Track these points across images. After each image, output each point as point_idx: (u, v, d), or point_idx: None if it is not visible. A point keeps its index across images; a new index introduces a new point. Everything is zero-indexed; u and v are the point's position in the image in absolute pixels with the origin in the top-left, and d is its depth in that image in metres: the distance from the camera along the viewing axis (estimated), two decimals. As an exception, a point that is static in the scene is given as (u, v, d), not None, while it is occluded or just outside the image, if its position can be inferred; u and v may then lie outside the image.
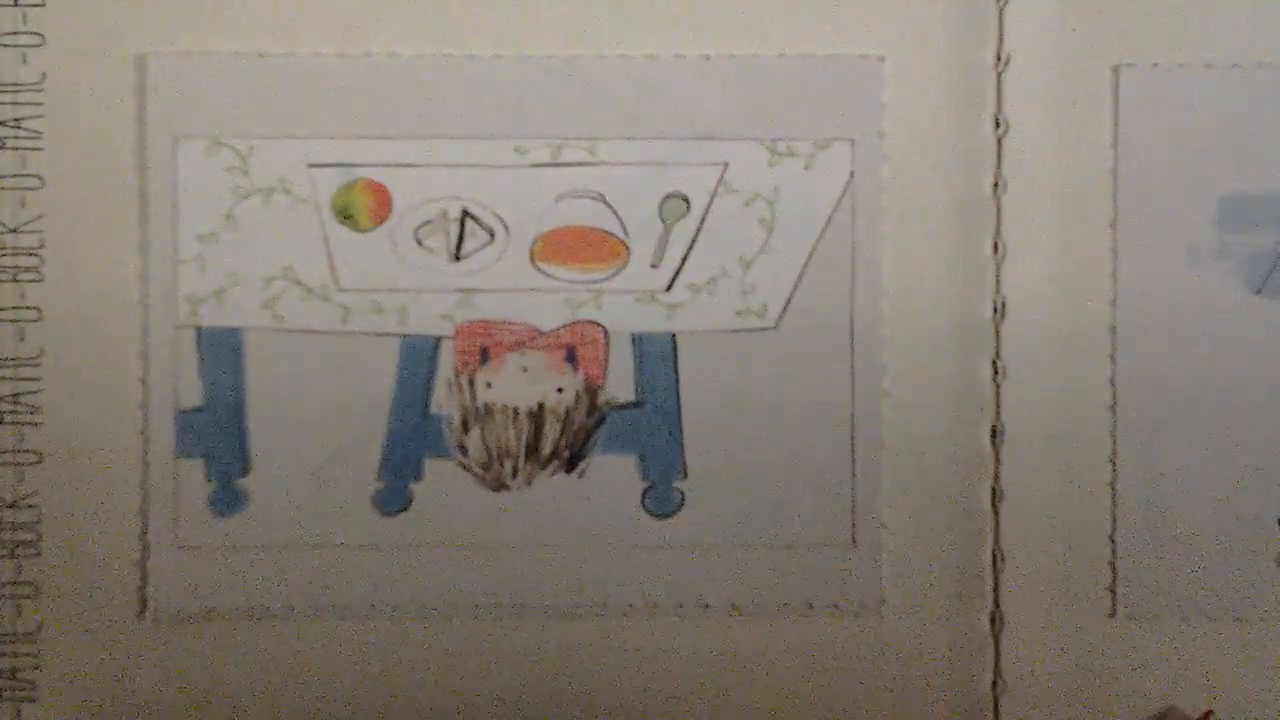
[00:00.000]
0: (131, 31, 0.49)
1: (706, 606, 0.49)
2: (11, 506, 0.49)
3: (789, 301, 0.49)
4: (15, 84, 0.49)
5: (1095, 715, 0.49)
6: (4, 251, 0.49)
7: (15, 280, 0.49)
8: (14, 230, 0.49)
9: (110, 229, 0.49)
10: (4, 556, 0.48)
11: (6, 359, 0.49)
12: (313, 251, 0.49)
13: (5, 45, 0.49)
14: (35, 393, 0.49)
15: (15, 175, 0.49)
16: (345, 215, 0.49)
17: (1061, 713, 0.49)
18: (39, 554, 0.49)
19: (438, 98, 0.49)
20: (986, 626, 0.50)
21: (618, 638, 0.49)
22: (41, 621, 0.49)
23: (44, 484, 0.49)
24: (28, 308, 0.49)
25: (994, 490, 0.49)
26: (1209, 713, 0.49)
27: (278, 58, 0.49)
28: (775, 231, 0.50)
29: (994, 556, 0.49)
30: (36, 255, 0.49)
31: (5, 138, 0.49)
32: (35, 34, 0.49)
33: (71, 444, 0.49)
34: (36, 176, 0.49)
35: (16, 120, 0.49)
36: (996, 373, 0.49)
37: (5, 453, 0.48)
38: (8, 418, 0.49)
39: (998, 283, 0.49)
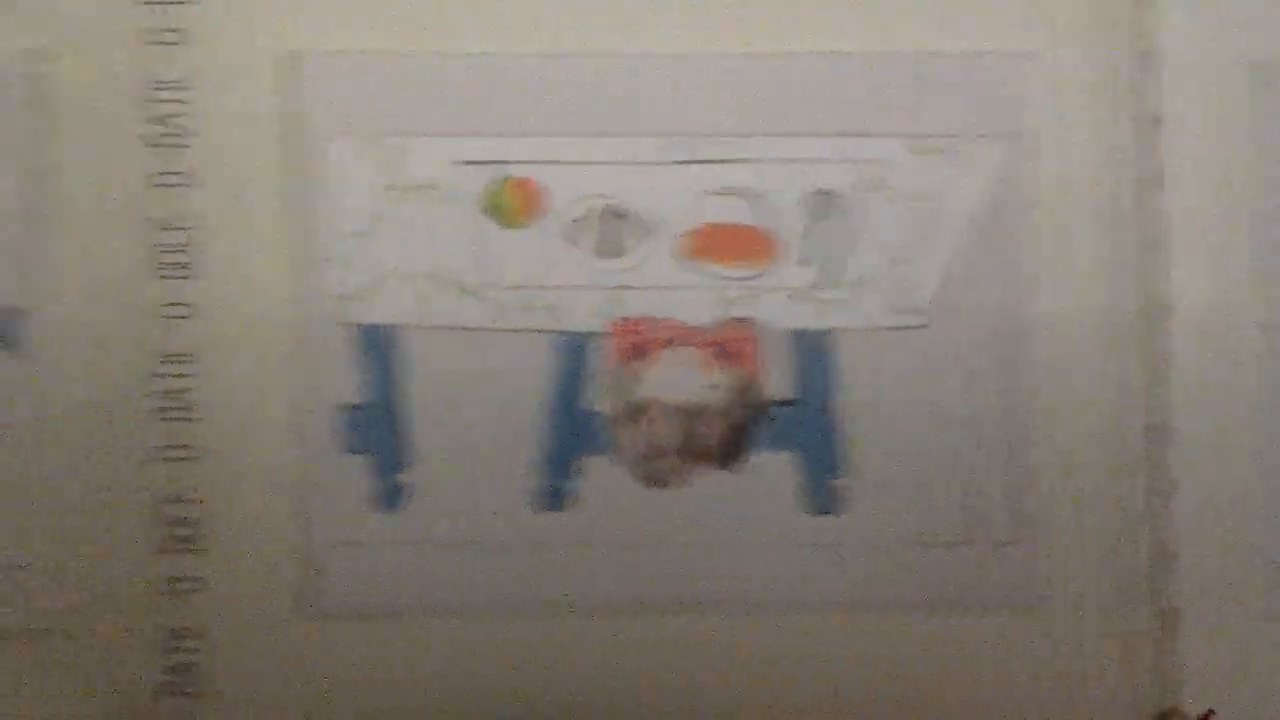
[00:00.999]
0: (284, 29, 0.49)
1: (864, 605, 0.50)
2: (175, 503, 0.49)
3: (940, 299, 0.49)
4: (166, 82, 0.49)
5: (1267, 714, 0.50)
6: (160, 249, 0.49)
7: (172, 277, 0.49)
8: (167, 228, 0.49)
9: (264, 227, 0.49)
10: (169, 552, 0.49)
11: (166, 355, 0.49)
12: (464, 249, 0.49)
13: (157, 43, 0.49)
14: (194, 390, 0.49)
15: (168, 174, 0.49)
16: (496, 213, 0.49)
17: (1230, 711, 0.50)
18: (204, 550, 0.50)
19: (587, 95, 0.49)
20: (1148, 624, 0.50)
21: (774, 635, 0.50)
22: (207, 618, 0.50)
23: (205, 480, 0.49)
24: (185, 305, 0.49)
25: (1153, 488, 0.50)
26: (1209, 712, 0.50)
27: (429, 56, 0.49)
28: (925, 228, 0.49)
29: (1158, 553, 0.50)
30: (192, 253, 0.49)
31: (158, 136, 0.49)
32: (185, 32, 0.49)
33: (231, 440, 0.49)
34: (189, 175, 0.49)
35: (168, 119, 0.49)
36: (1154, 369, 0.49)
37: (167, 449, 0.49)
38: (168, 414, 0.49)
39: (1150, 279, 0.49)
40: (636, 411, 0.50)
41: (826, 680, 0.50)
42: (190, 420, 0.49)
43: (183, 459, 0.49)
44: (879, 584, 0.50)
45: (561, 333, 0.49)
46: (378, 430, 0.49)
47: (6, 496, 0.48)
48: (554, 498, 0.50)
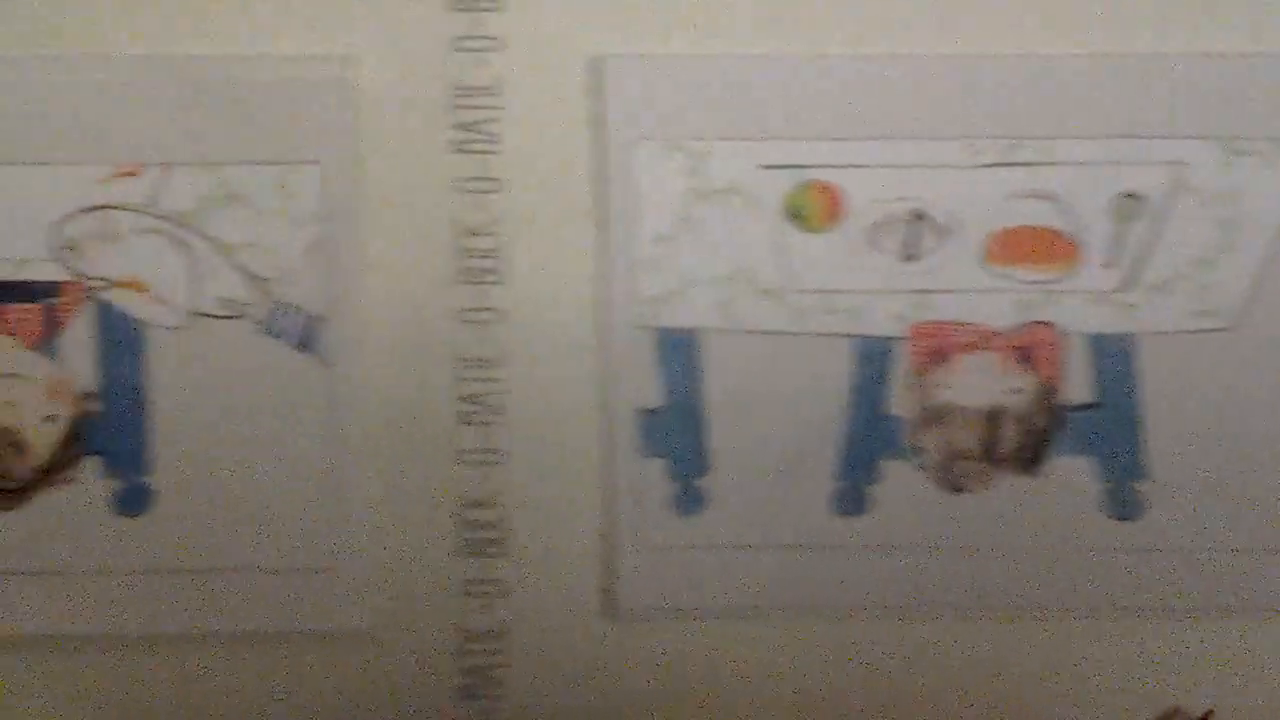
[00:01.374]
0: (588, 34, 0.49)
1: (1170, 609, 0.50)
2: (478, 506, 0.50)
3: (1247, 302, 0.49)
4: (474, 88, 0.49)
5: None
6: (466, 254, 0.49)
7: (478, 282, 0.49)
8: (474, 233, 0.49)
9: (568, 231, 0.49)
10: (471, 555, 0.50)
11: (470, 359, 0.49)
12: (765, 252, 0.49)
13: (465, 50, 0.49)
14: (499, 394, 0.50)
15: (475, 179, 0.49)
16: (797, 216, 0.49)
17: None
18: (506, 553, 0.50)
19: (889, 98, 0.49)
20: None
21: (1076, 640, 0.50)
22: (509, 620, 0.50)
23: (509, 484, 0.50)
24: (490, 309, 0.50)
25: None
26: (1210, 712, 0.50)
27: (732, 59, 0.49)
28: (1233, 231, 0.49)
29: None
30: (498, 258, 0.49)
31: (465, 142, 0.49)
32: (493, 38, 0.49)
33: (534, 444, 0.50)
34: (495, 180, 0.49)
35: (475, 124, 0.49)
36: None
37: (471, 452, 0.50)
38: (472, 418, 0.50)
39: None
40: (936, 415, 0.50)
41: (1134, 684, 0.50)
42: (494, 424, 0.50)
43: (486, 463, 0.50)
44: (1181, 589, 0.50)
45: (861, 336, 0.49)
46: (677, 434, 0.49)
47: (311, 502, 0.49)
48: (853, 501, 0.50)
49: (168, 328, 0.49)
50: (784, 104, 0.49)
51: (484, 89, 0.49)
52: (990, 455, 0.49)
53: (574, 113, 0.49)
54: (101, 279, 0.49)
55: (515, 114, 0.49)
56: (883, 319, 0.49)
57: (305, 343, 0.49)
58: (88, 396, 0.49)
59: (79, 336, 0.49)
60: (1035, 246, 0.49)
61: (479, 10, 0.49)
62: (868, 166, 0.49)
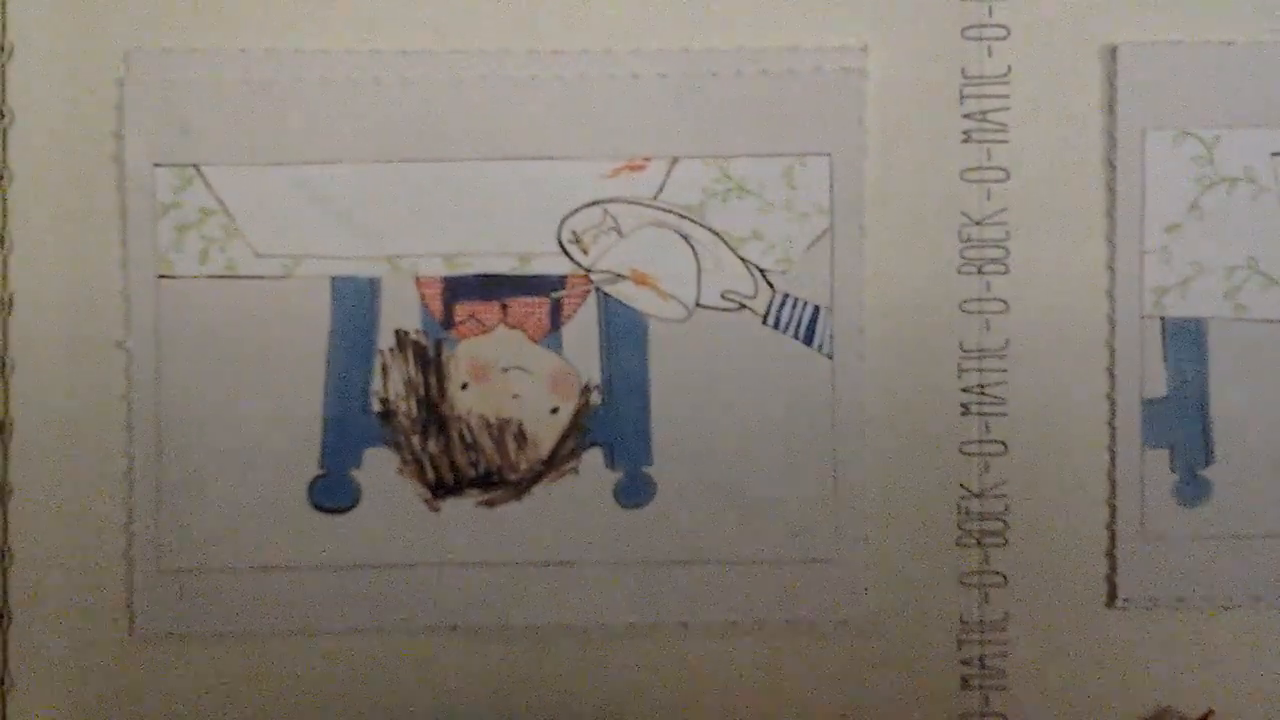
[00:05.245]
0: (1099, 22, 0.48)
1: None
2: (979, 496, 0.50)
3: None
4: (982, 77, 0.49)
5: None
6: (970, 243, 0.49)
7: (981, 272, 0.49)
8: (979, 222, 0.49)
9: (1075, 220, 0.49)
10: (972, 546, 0.50)
11: (973, 350, 0.49)
12: (1276, 241, 0.49)
13: (972, 39, 0.49)
14: (1001, 384, 0.50)
15: (981, 168, 0.49)
16: (1305, 203, 0.49)
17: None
18: (1007, 544, 0.50)
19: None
20: None
21: None
22: (1009, 610, 0.50)
23: (1011, 474, 0.49)
24: (994, 299, 0.49)
25: None
26: (1209, 712, 0.49)
27: (1243, 47, 0.48)
28: None
29: None
30: (1003, 247, 0.49)
31: (972, 130, 0.49)
32: (1001, 26, 0.49)
33: (1036, 434, 0.49)
34: (1003, 169, 0.49)
35: (983, 113, 0.49)
36: None
37: (972, 443, 0.50)
38: (974, 408, 0.50)
39: None
40: None
41: None
42: (996, 415, 0.49)
43: (988, 454, 0.50)
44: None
45: (1365, 325, 0.49)
46: (1182, 424, 0.49)
47: (812, 493, 0.49)
48: (1363, 492, 0.49)
49: (671, 320, 0.50)
50: (1295, 90, 0.48)
51: (994, 78, 0.49)
52: None
53: (1083, 101, 0.49)
54: (606, 272, 0.50)
55: (1024, 102, 0.49)
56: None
57: (809, 334, 0.49)
58: (591, 389, 0.50)
59: (583, 329, 0.50)
60: None
61: (989, -1, 0.49)
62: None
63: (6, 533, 0.49)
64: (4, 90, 0.49)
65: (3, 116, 0.49)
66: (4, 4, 0.49)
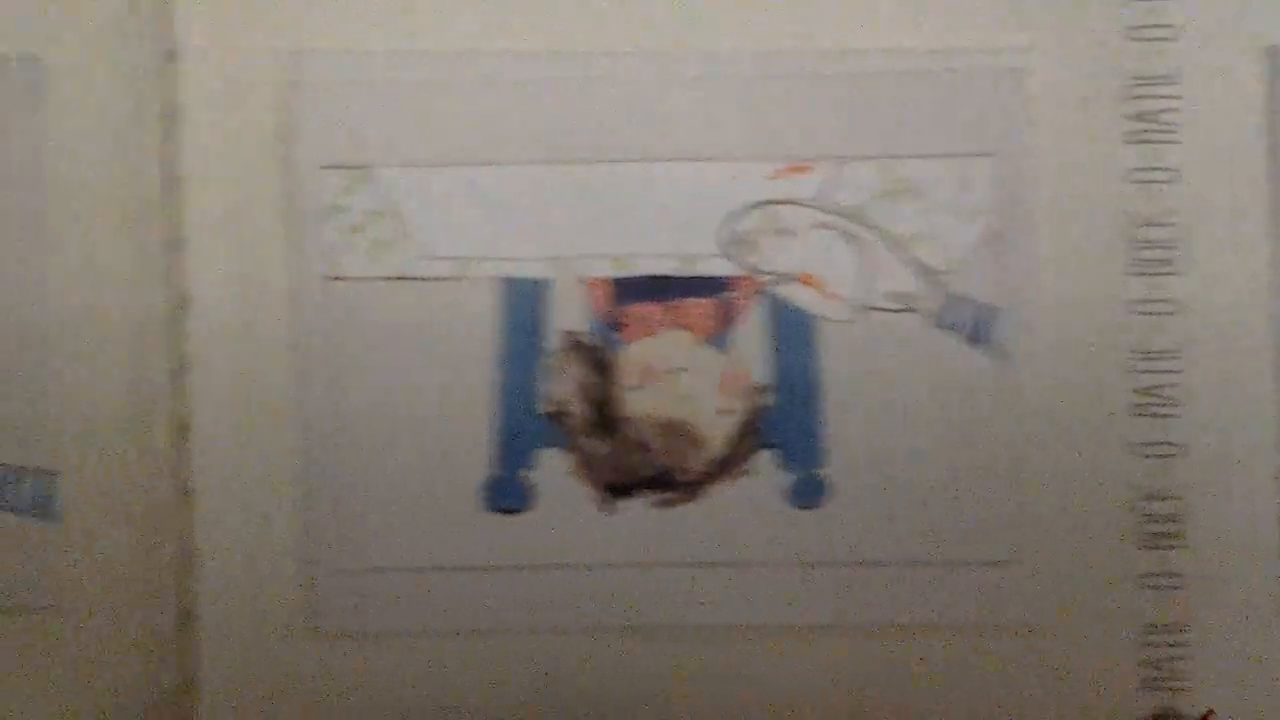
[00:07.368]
0: (1264, 22, 0.49)
1: None
2: (1156, 498, 0.49)
3: None
4: (1151, 77, 0.49)
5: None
6: (1140, 245, 0.49)
7: (1152, 274, 0.49)
8: (1150, 224, 0.49)
9: (1246, 221, 0.48)
10: (1150, 548, 0.49)
11: (1144, 352, 0.49)
12: None
13: (1140, 39, 0.49)
14: (1174, 385, 0.49)
15: (1150, 169, 0.49)
16: None
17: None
18: (1184, 545, 0.49)
19: None
20: None
21: None
22: (1189, 612, 0.49)
23: (1186, 476, 0.49)
24: (1165, 300, 0.49)
25: None
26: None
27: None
28: None
29: None
30: (1173, 248, 0.49)
31: (1142, 131, 0.49)
32: (1169, 26, 0.49)
33: (1212, 436, 0.49)
34: (1172, 170, 0.49)
35: (1153, 114, 0.49)
36: None
37: (1147, 445, 0.49)
38: (1147, 410, 0.49)
39: None
40: None
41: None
42: (1171, 417, 0.49)
43: (1163, 455, 0.49)
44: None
45: None
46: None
47: (988, 495, 0.48)
48: None
49: (839, 321, 0.50)
50: None
51: (1161, 78, 0.49)
52: None
53: (1250, 101, 0.49)
54: (773, 273, 0.50)
55: (1192, 103, 0.49)
56: None
57: (978, 335, 0.49)
58: (761, 390, 0.50)
59: (751, 331, 0.50)
60: None
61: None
62: None
63: (193, 533, 0.49)
64: (174, 93, 0.49)
65: (174, 119, 0.49)
66: (171, 7, 0.50)
